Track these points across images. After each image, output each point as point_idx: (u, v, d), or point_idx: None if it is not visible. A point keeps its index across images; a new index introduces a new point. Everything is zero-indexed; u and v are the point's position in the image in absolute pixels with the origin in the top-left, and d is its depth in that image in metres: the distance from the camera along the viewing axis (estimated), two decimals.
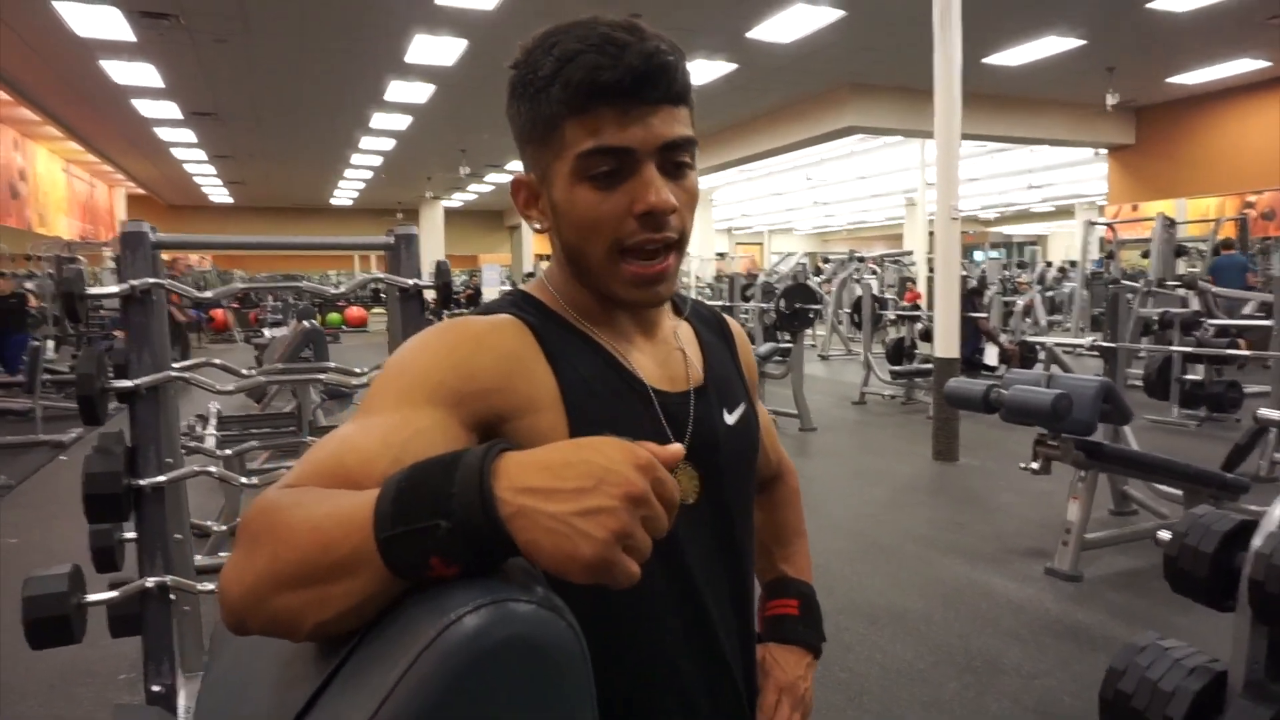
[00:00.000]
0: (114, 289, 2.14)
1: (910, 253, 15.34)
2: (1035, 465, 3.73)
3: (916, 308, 10.65)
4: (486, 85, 10.48)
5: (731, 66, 9.81)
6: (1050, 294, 14.27)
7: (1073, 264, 15.01)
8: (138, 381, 2.13)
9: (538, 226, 0.81)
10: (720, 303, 8.72)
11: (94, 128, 13.28)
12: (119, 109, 11.65)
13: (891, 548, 4.20)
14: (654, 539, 0.53)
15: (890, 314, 9.86)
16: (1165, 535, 1.65)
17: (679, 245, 0.78)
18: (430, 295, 2.41)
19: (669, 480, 0.53)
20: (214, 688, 0.74)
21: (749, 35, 8.70)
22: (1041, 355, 7.26)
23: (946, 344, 6.04)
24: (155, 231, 2.26)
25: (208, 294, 2.35)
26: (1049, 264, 19.13)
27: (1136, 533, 4.03)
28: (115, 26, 8.14)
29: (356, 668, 0.52)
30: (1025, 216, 26.97)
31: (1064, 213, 24.67)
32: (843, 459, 6.39)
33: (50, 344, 9.93)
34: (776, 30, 8.53)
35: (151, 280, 2.16)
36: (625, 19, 0.75)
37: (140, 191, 20.61)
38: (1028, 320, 11.84)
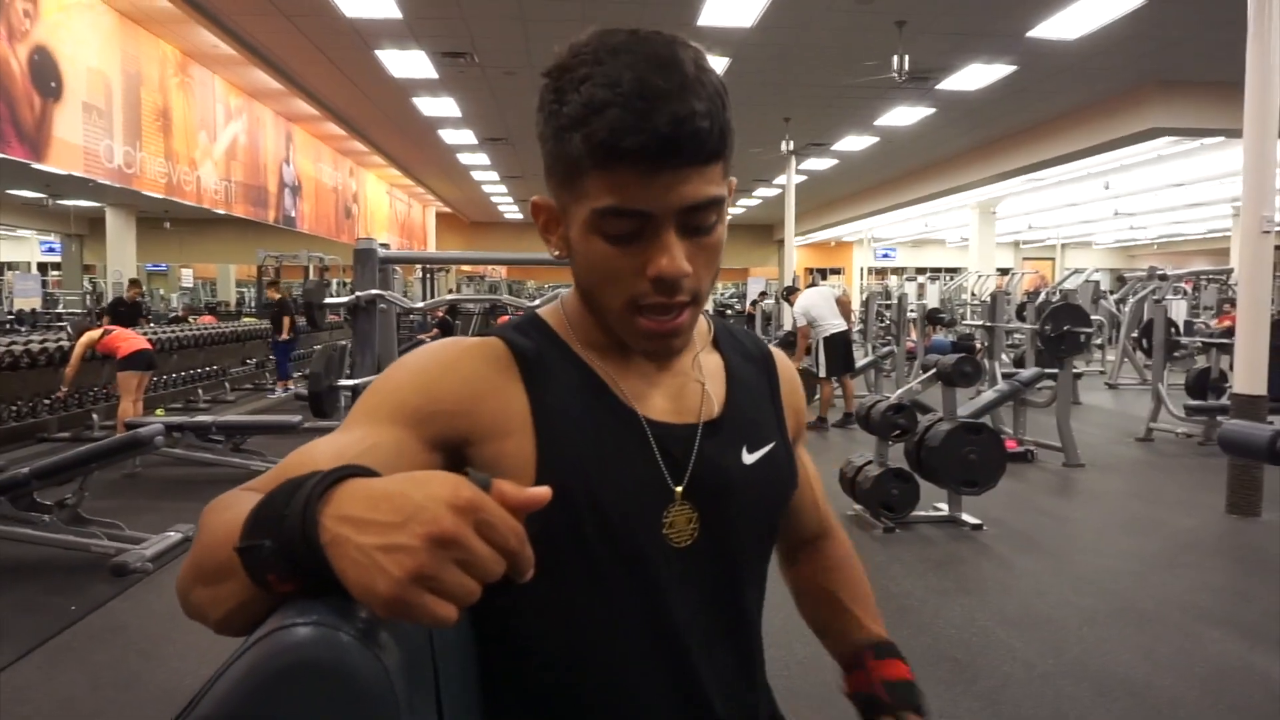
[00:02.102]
0: (344, 299, 2.45)
1: (1231, 270, 13.24)
2: None
3: (1230, 333, 9.14)
4: (748, 103, 10.60)
5: (1010, 69, 9.10)
6: None
7: None
8: (358, 381, 2.41)
9: (556, 254, 0.80)
10: (983, 323, 8.07)
11: (409, 155, 15.23)
12: (428, 137, 13.26)
13: (1149, 613, 3.64)
14: (517, 580, 0.52)
15: (1194, 340, 8.57)
16: None
17: (695, 302, 0.74)
18: None
19: (500, 523, 0.51)
20: None
21: (1031, 34, 8.02)
22: None
23: (1249, 378, 5.14)
24: (384, 248, 2.55)
25: (419, 305, 2.61)
26: None
27: None
28: (422, 66, 9.31)
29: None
30: None
31: None
32: (1111, 503, 5.65)
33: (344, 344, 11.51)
34: (1062, 26, 7.77)
35: (373, 291, 2.44)
36: (675, 41, 0.71)
37: (447, 210, 23.26)
38: None
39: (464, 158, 15.06)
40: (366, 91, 10.59)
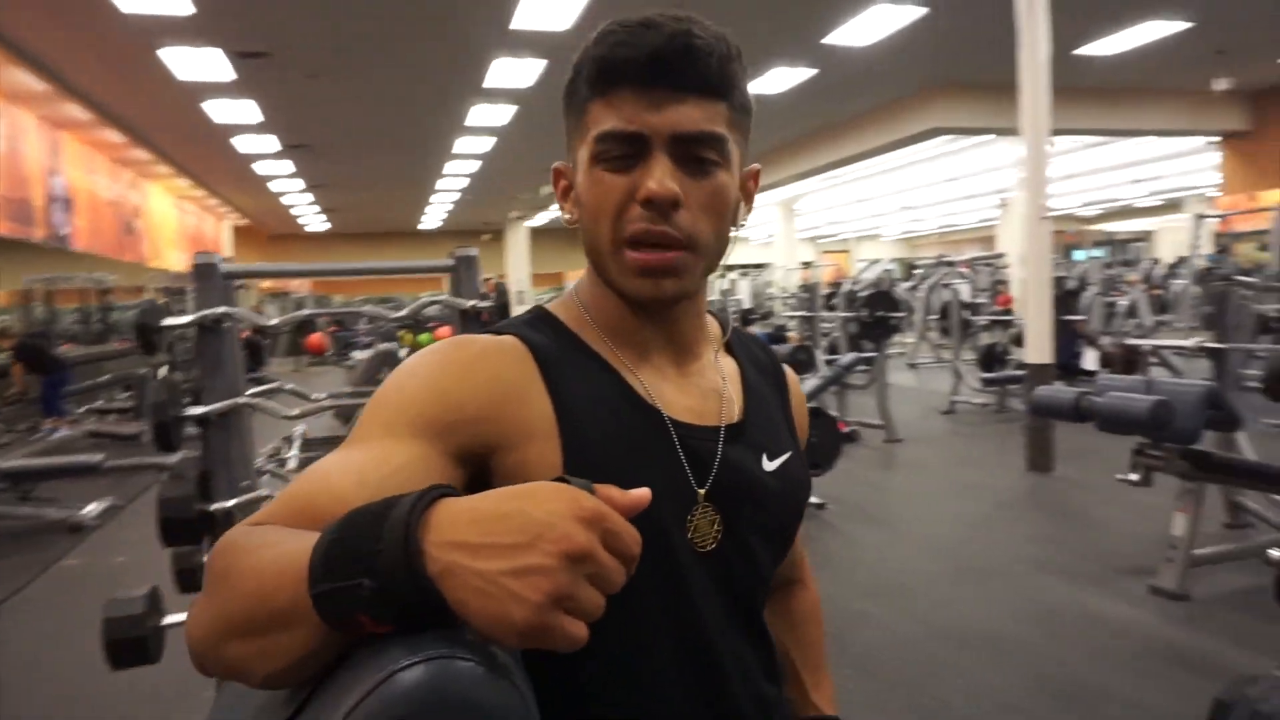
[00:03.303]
0: (186, 319, 2.22)
1: (1003, 255, 14.76)
2: (1135, 477, 3.50)
3: (1009, 312, 10.21)
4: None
5: (810, 72, 9.67)
6: (1158, 292, 13.48)
7: (1182, 260, 14.16)
8: (209, 408, 2.20)
9: (568, 217, 0.77)
10: (803, 313, 8.55)
11: (200, 164, 14.09)
12: (221, 145, 12.31)
13: (983, 567, 4.00)
14: (612, 592, 0.48)
15: (981, 319, 9.49)
16: (1276, 554, 1.50)
17: (691, 246, 0.71)
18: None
19: (624, 530, 0.48)
20: None
21: (825, 41, 8.56)
22: (1148, 358, 6.85)
23: (1039, 349, 5.76)
24: (227, 262, 2.34)
25: (272, 321, 2.42)
26: (1155, 261, 18.11)
27: (1251, 548, 3.72)
28: (215, 68, 8.61)
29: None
30: (1130, 212, 25.64)
31: (1172, 206, 23.34)
32: (931, 472, 6.15)
33: (162, 370, 10.51)
34: (854, 34, 8.36)
35: (221, 310, 2.23)
36: (685, 12, 0.71)
37: (244, 223, 21.71)
38: (1132, 321, 11.22)
39: (262, 166, 14.10)
40: (150, 95, 9.67)
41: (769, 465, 0.80)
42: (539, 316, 0.79)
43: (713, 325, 0.86)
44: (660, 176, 0.68)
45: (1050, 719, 2.63)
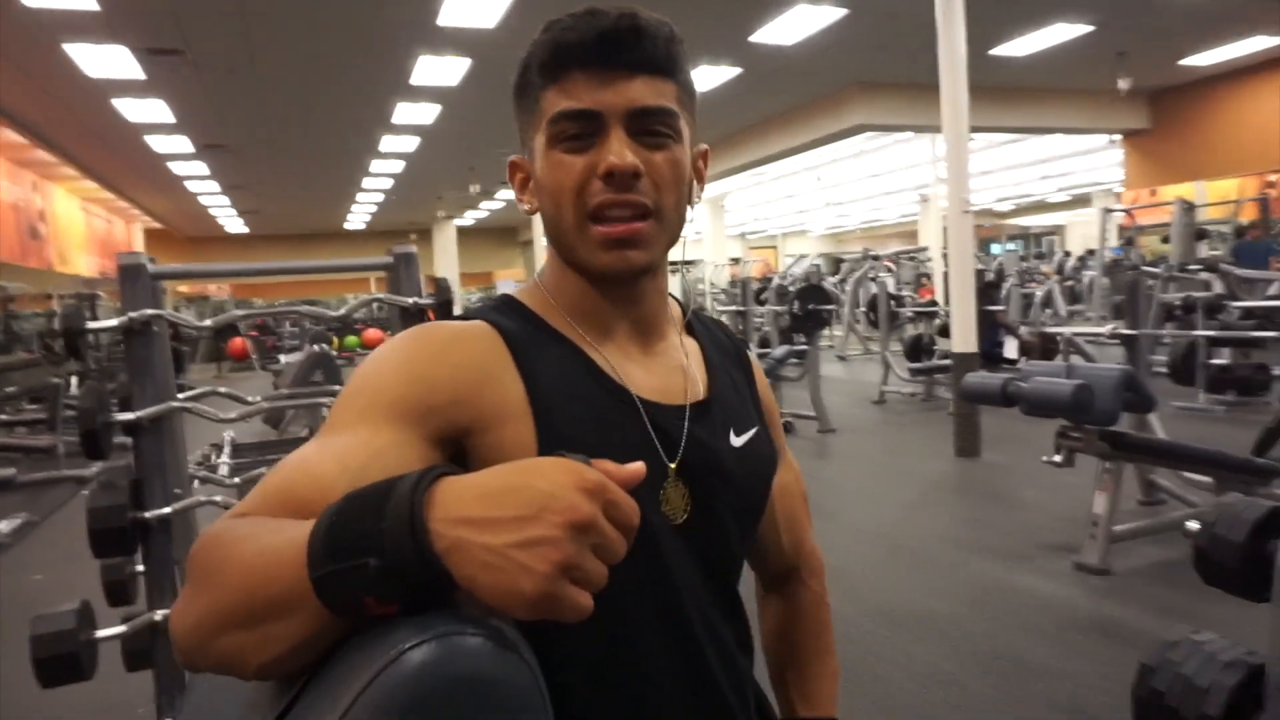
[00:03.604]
0: (113, 322, 2.14)
1: (925, 249, 15.22)
2: (1058, 458, 3.66)
3: (933, 304, 10.53)
4: (492, 103, 10.52)
5: (736, 71, 9.78)
6: (1070, 283, 14.07)
7: (1091, 252, 14.81)
8: (140, 414, 2.12)
9: (526, 208, 0.78)
10: (735, 308, 8.66)
11: (109, 165, 13.48)
12: (132, 146, 11.82)
13: (916, 549, 4.13)
14: (614, 563, 0.49)
15: (907, 311, 9.76)
16: (1194, 526, 1.59)
17: (655, 215, 0.73)
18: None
19: (624, 501, 0.49)
20: None
21: (752, 39, 8.67)
22: (1063, 346, 7.15)
23: (964, 339, 5.96)
24: (154, 263, 2.26)
25: (205, 323, 2.35)
26: (1067, 253, 18.89)
27: (1166, 523, 3.93)
28: (125, 65, 8.26)
29: (305, 708, 0.50)
30: (1042, 207, 26.69)
31: (1081, 201, 24.39)
32: (863, 460, 6.31)
33: (74, 380, 10.05)
34: (779, 33, 8.49)
35: (150, 312, 2.16)
36: (627, 2, 0.73)
37: (158, 226, 20.88)
38: (1047, 311, 11.68)
39: (177, 167, 13.57)
40: (54, 93, 9.22)
41: (736, 441, 0.83)
42: (505, 303, 0.81)
43: (674, 307, 0.88)
44: (619, 149, 0.70)
45: (983, 691, 2.73)
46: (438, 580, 0.46)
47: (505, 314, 0.77)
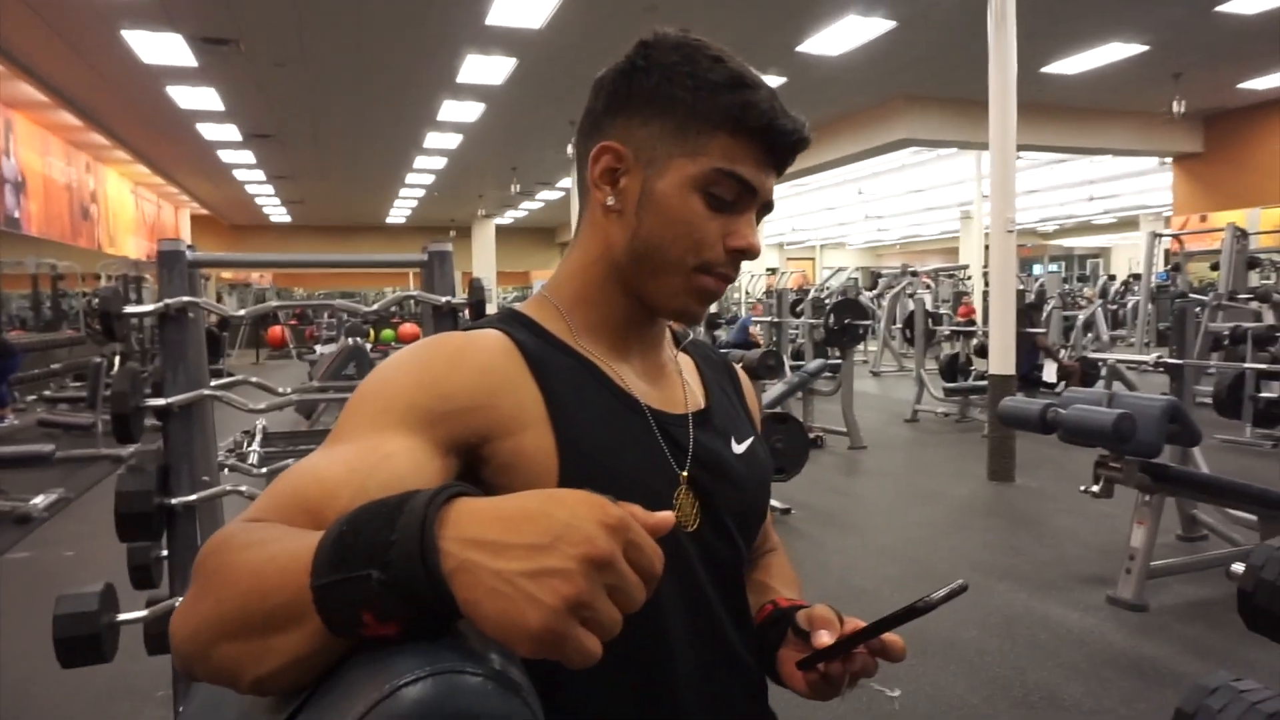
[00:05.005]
0: (150, 307, 2.15)
1: (965, 266, 15.03)
2: (1096, 488, 3.56)
3: (971, 323, 10.37)
4: (535, 103, 10.58)
5: (781, 80, 9.72)
6: (1114, 308, 13.80)
7: (1136, 277, 14.50)
8: (171, 400, 2.13)
9: (610, 202, 0.77)
10: (769, 319, 8.58)
11: (160, 151, 13.76)
12: (183, 132, 12.05)
13: (944, 573, 4.04)
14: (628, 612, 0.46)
15: (944, 329, 9.62)
16: (1238, 568, 1.52)
17: None
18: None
19: (647, 545, 0.46)
20: None
21: (799, 49, 8.62)
22: (1104, 372, 6.99)
23: (1002, 360, 5.85)
24: (192, 250, 2.28)
25: (240, 312, 2.36)
26: (1112, 277, 18.53)
27: (1206, 560, 3.81)
28: (179, 53, 8.42)
29: None
30: (1086, 229, 26.23)
31: (1127, 224, 23.90)
32: (893, 479, 6.21)
33: (117, 360, 10.24)
34: (827, 43, 8.43)
35: (186, 299, 2.17)
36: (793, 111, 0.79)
37: (204, 212, 21.28)
38: (1089, 335, 11.46)
39: (225, 155, 13.82)
40: (109, 77, 9.43)
41: (738, 448, 0.85)
42: (511, 315, 0.81)
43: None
44: (756, 237, 0.77)
45: None
46: (440, 602, 0.44)
47: (513, 325, 0.78)
